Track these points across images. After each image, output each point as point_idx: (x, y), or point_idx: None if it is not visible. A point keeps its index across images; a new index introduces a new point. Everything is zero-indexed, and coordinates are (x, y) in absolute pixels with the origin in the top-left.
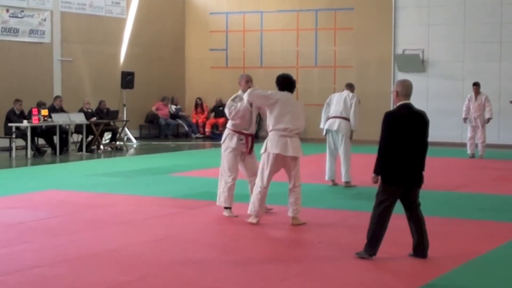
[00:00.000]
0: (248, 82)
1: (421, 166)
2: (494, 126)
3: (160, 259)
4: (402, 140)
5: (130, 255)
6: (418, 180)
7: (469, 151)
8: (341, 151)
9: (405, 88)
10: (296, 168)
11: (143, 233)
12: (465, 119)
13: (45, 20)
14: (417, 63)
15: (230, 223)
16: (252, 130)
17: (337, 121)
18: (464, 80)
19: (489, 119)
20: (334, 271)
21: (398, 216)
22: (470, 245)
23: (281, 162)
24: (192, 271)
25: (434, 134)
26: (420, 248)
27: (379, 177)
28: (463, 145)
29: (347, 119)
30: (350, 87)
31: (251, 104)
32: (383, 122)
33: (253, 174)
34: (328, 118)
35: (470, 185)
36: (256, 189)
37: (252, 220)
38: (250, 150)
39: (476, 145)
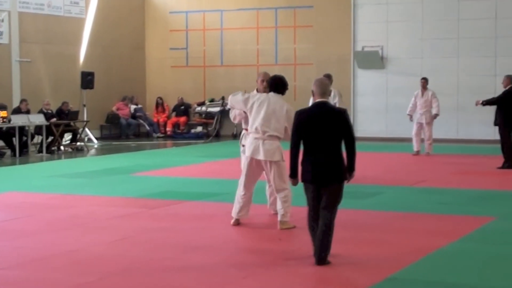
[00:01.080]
0: (263, 81)
1: (335, 164)
2: (453, 121)
3: (121, 259)
4: (313, 137)
5: (91, 256)
6: (329, 179)
7: (415, 148)
8: None
9: (320, 87)
10: (274, 172)
11: (104, 234)
12: (410, 116)
13: (2, 20)
14: (376, 59)
15: (192, 222)
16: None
17: None
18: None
19: (436, 115)
20: (296, 267)
21: (356, 212)
22: (430, 239)
23: (257, 165)
24: (153, 271)
25: (393, 130)
26: (315, 253)
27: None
28: (422, 140)
29: None
30: (328, 78)
31: None
32: (293, 121)
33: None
34: None
35: (430, 179)
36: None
37: (231, 222)
38: None
39: (422, 140)
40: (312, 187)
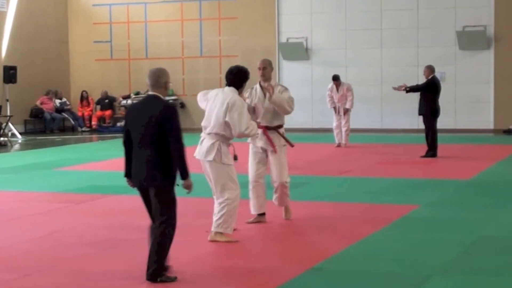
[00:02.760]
0: (259, 69)
1: (155, 166)
2: (377, 111)
3: (46, 255)
4: (135, 133)
5: (15, 253)
6: (147, 182)
7: (336, 140)
8: None
9: (149, 78)
10: (214, 176)
11: (28, 230)
12: (334, 109)
13: None
14: (301, 51)
15: (118, 216)
16: (266, 120)
17: None
18: (347, 67)
19: (347, 110)
20: (221, 258)
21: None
22: (355, 228)
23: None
24: (79, 266)
25: (319, 121)
26: (148, 267)
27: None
28: (351, 131)
29: None
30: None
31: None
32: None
33: (272, 178)
34: None
35: (355, 169)
36: None
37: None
38: (272, 146)
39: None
40: (138, 189)
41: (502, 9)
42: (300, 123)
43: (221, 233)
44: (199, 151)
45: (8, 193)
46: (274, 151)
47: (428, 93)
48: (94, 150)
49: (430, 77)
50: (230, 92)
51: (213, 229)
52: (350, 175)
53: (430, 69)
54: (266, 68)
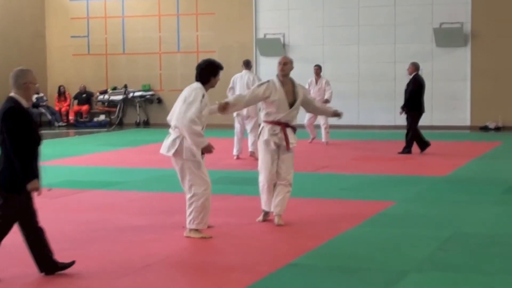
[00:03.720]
0: (279, 63)
1: (3, 171)
2: (354, 107)
3: (20, 250)
4: None
5: None
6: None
7: (311, 136)
8: (249, 128)
9: (11, 79)
10: (178, 171)
11: None
12: None
13: None
14: (278, 47)
15: (93, 212)
16: (288, 117)
17: None
18: (324, 64)
19: (327, 101)
20: (195, 254)
21: (258, 198)
22: (332, 224)
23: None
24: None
25: (298, 117)
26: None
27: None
28: (317, 126)
29: None
30: (247, 65)
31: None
32: None
33: (279, 175)
34: None
35: (332, 165)
36: None
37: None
38: (287, 145)
39: (317, 126)
40: None
41: (479, 6)
42: None
43: (195, 229)
44: (163, 146)
45: None
46: (287, 148)
47: (413, 90)
48: (70, 145)
49: (413, 74)
50: (194, 87)
51: (186, 225)
52: (326, 171)
53: (414, 66)
54: (287, 64)
